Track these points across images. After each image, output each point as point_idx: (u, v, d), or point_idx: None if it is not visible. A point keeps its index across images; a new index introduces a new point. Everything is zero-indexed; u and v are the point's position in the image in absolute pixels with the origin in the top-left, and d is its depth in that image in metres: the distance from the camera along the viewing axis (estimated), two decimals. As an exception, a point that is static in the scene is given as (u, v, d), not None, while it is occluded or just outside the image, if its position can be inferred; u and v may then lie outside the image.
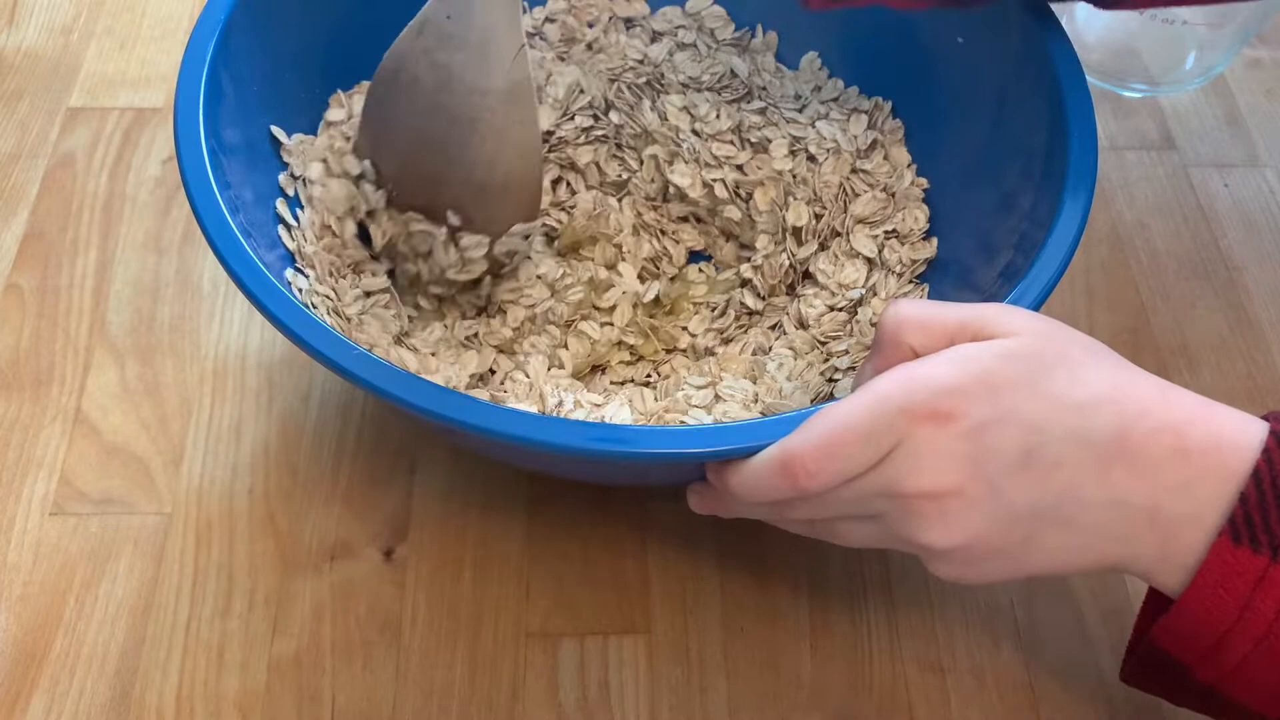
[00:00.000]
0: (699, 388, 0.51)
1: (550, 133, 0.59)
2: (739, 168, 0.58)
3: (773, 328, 0.55)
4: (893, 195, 0.57)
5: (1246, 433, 0.38)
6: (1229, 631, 0.38)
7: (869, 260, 0.55)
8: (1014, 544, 0.39)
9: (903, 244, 0.56)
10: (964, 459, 0.38)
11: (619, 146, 0.60)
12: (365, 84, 0.58)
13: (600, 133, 0.59)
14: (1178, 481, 0.38)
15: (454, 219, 0.52)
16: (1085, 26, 0.70)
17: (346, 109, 0.56)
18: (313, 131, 0.55)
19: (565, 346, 0.54)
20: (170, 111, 0.66)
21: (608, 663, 0.49)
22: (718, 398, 0.50)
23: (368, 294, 0.52)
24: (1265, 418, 0.39)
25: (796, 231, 0.56)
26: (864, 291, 0.54)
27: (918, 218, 0.56)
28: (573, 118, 0.59)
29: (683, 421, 0.49)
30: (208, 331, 0.58)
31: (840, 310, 0.54)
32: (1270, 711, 0.39)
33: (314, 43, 0.56)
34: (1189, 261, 0.63)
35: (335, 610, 0.50)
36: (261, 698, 0.48)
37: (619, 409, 0.50)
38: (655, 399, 0.51)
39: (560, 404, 0.49)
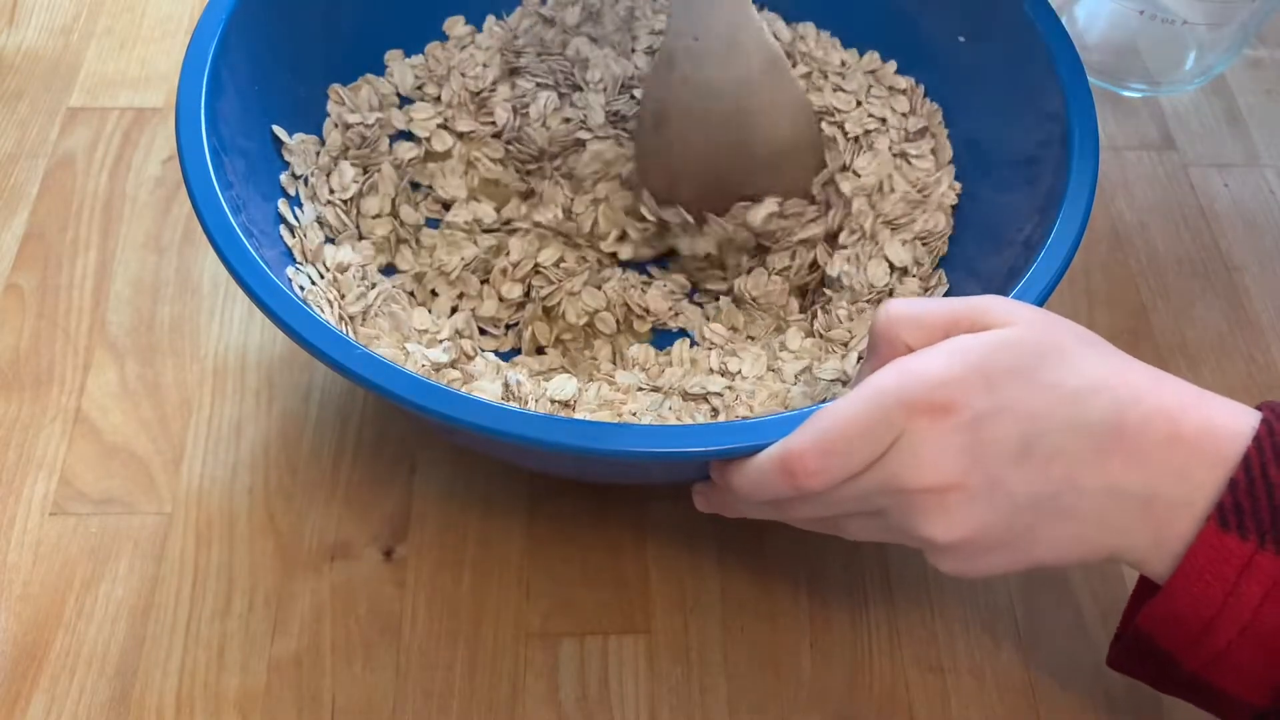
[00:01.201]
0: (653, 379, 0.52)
1: (612, 112, 0.59)
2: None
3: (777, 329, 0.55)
4: (926, 197, 0.56)
5: (1239, 420, 0.39)
6: (1214, 617, 0.38)
7: (895, 267, 0.55)
8: (1016, 535, 0.39)
9: (921, 244, 0.55)
10: (963, 451, 0.38)
11: None
12: (370, 76, 0.58)
13: None
14: (1172, 468, 0.38)
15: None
16: (1085, 27, 0.70)
17: (358, 108, 0.56)
18: (314, 131, 0.55)
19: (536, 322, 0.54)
20: (170, 111, 0.66)
21: (608, 663, 0.49)
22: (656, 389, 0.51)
23: (373, 286, 0.52)
24: (1259, 407, 0.39)
25: (833, 237, 0.56)
26: (885, 288, 0.54)
27: (939, 220, 0.55)
28: (631, 94, 0.59)
29: (629, 414, 0.49)
30: (208, 331, 0.58)
31: (866, 304, 0.54)
32: (1255, 698, 0.39)
33: (315, 42, 0.56)
34: (1189, 261, 0.63)
35: (335, 610, 0.50)
36: (261, 698, 0.48)
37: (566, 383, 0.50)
38: (613, 389, 0.51)
39: (519, 384, 0.49)
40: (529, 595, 0.51)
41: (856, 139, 0.58)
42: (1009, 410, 0.38)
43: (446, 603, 0.50)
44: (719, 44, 0.52)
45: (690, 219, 0.56)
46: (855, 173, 0.57)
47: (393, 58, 0.59)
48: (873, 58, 0.60)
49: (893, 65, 0.60)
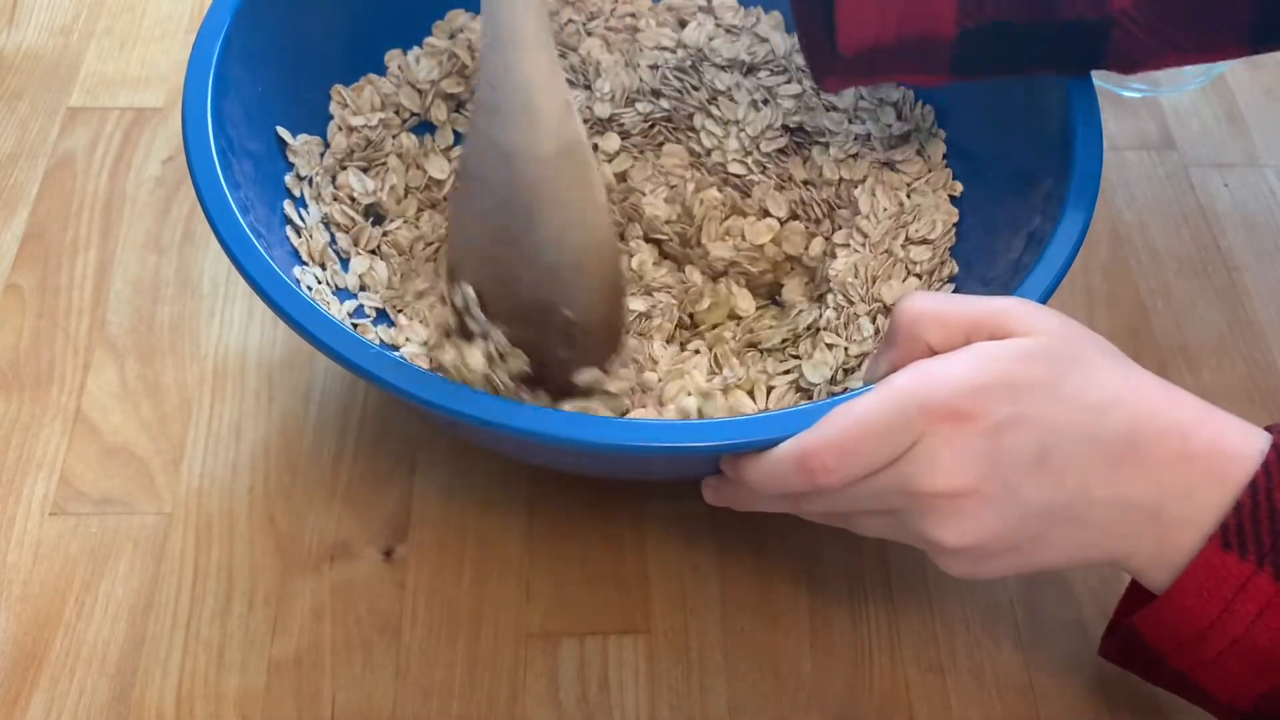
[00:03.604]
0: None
1: (615, 118, 0.59)
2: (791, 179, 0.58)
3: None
4: (918, 205, 0.55)
5: (1249, 442, 0.39)
6: (1207, 630, 0.39)
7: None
8: (1025, 541, 0.40)
9: (922, 246, 0.55)
10: (981, 458, 0.38)
11: (674, 129, 0.60)
12: (372, 76, 0.58)
13: (660, 115, 0.59)
14: (1180, 484, 0.39)
15: (567, 312, 0.47)
16: (1085, 27, 0.70)
17: (359, 111, 0.56)
18: (319, 133, 0.55)
19: None
20: (170, 111, 0.66)
21: (608, 663, 0.49)
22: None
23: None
24: (1268, 429, 0.40)
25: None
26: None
27: (935, 226, 0.55)
28: (634, 105, 0.59)
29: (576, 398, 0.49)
30: (208, 331, 0.58)
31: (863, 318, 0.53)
32: (1235, 700, 0.40)
33: (318, 43, 0.56)
34: (1189, 261, 0.63)
35: (335, 610, 0.50)
36: (261, 698, 0.48)
37: None
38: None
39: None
40: (529, 595, 0.51)
41: (841, 161, 0.57)
42: (1029, 420, 0.38)
43: (446, 602, 0.50)
44: (514, 102, 0.44)
45: (479, 312, 0.47)
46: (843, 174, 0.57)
47: (393, 57, 0.59)
48: None
49: None
